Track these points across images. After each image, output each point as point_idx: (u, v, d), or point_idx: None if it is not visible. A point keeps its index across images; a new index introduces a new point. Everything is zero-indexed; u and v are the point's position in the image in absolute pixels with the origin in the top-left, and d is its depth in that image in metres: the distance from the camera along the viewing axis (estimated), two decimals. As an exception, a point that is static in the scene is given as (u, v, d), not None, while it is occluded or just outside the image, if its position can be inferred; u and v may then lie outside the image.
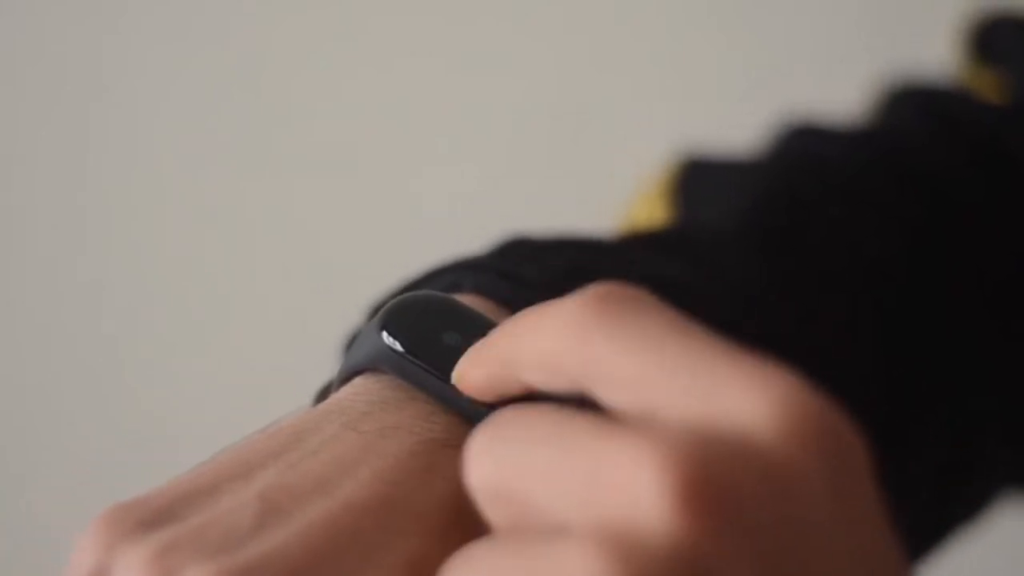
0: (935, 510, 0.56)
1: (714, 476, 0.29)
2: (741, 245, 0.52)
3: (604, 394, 0.32)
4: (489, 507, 0.32)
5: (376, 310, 0.43)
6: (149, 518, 0.35)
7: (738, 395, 0.31)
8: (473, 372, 0.37)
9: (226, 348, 1.20)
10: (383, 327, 0.40)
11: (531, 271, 0.42)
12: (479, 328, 0.40)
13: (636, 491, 0.29)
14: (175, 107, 1.18)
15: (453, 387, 0.38)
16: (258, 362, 1.20)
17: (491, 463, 0.32)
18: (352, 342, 0.43)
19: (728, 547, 0.29)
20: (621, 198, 0.77)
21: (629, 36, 1.16)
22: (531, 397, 0.36)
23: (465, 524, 0.36)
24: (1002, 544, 0.93)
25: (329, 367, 0.43)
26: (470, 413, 0.38)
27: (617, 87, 1.17)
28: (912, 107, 0.61)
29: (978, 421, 0.56)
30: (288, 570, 0.34)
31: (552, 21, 1.17)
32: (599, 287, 0.33)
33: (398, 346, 0.39)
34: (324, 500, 0.36)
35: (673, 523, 0.29)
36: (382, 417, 0.38)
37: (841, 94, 0.79)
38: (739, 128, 0.79)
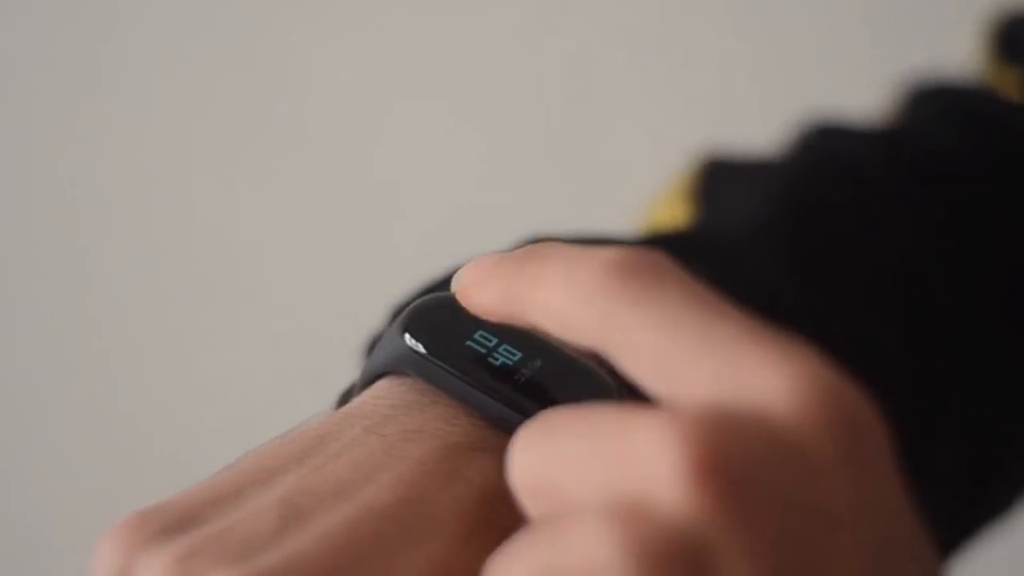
0: (955, 513, 0.56)
1: (730, 453, 0.29)
2: (766, 246, 0.52)
3: (623, 364, 0.32)
4: (528, 503, 0.32)
5: (397, 312, 0.43)
6: (171, 523, 0.35)
7: (757, 372, 0.30)
8: (480, 291, 0.36)
9: (234, 352, 1.20)
10: (405, 329, 0.39)
11: None
12: (501, 330, 0.40)
13: (652, 467, 0.29)
14: (180, 109, 1.18)
15: (476, 390, 0.38)
16: (264, 364, 1.20)
17: (526, 460, 0.32)
18: (373, 345, 0.43)
19: (740, 526, 0.29)
20: (635, 199, 0.77)
21: (646, 35, 1.16)
22: None
23: (488, 528, 0.36)
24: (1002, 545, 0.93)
25: (339, 370, 0.43)
26: (493, 415, 0.38)
27: (634, 87, 1.16)
28: (935, 106, 0.61)
29: (1000, 425, 0.56)
30: (310, 575, 0.34)
31: (566, 21, 1.16)
32: (624, 250, 0.33)
33: (421, 348, 0.39)
34: (346, 505, 0.35)
35: (686, 500, 0.29)
36: (404, 421, 0.38)
37: (863, 94, 0.79)
38: (759, 129, 0.79)
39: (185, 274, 1.19)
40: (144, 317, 1.19)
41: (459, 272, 0.38)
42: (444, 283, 0.44)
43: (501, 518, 0.36)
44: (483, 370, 0.39)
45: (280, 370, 1.19)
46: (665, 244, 0.49)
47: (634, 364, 0.32)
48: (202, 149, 1.18)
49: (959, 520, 0.56)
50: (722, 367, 0.31)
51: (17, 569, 1.21)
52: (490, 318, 0.37)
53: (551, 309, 0.34)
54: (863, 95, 0.78)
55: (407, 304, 0.43)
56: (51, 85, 1.16)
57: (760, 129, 0.79)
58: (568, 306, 0.33)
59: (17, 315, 1.19)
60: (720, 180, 0.59)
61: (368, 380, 0.40)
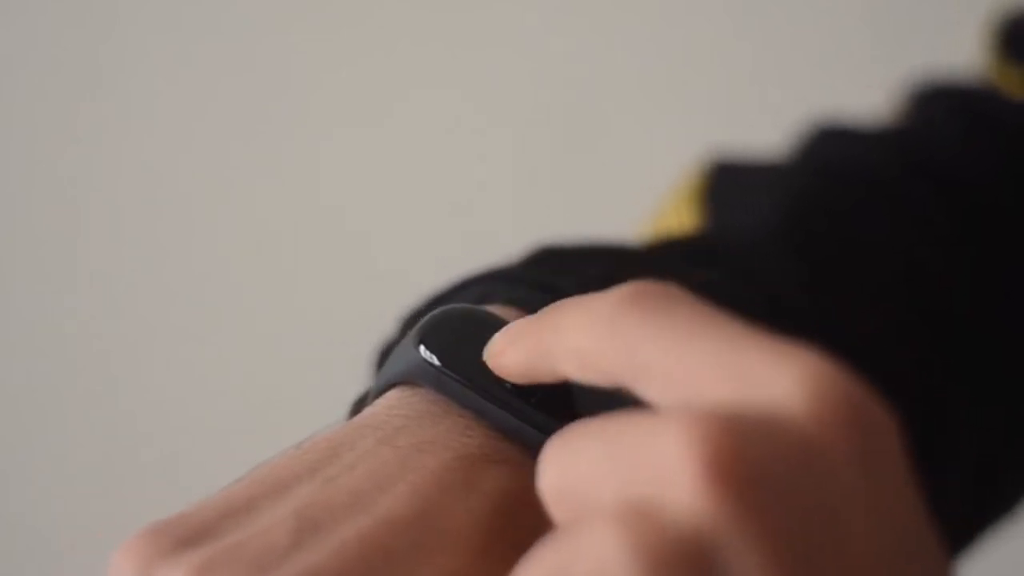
0: (960, 515, 0.56)
1: (741, 454, 0.29)
2: (776, 252, 0.52)
3: (642, 389, 0.32)
4: (554, 511, 0.32)
5: (408, 322, 0.43)
6: (186, 536, 0.35)
7: (769, 376, 0.31)
8: (508, 356, 0.37)
9: (232, 352, 1.20)
10: (420, 341, 0.39)
11: (565, 282, 0.42)
12: None
13: (664, 468, 0.29)
14: (180, 109, 1.17)
15: (490, 403, 0.38)
16: (263, 364, 1.20)
17: (551, 468, 0.32)
18: (385, 354, 0.43)
19: (750, 528, 0.29)
20: (637, 200, 0.77)
21: (648, 35, 1.16)
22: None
23: (503, 540, 0.36)
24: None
25: (336, 368, 0.43)
26: (508, 427, 0.38)
27: (635, 88, 1.16)
28: (940, 107, 0.61)
29: (1005, 427, 0.56)
30: None
31: (568, 22, 1.16)
32: (632, 285, 0.33)
33: (435, 360, 0.39)
34: (361, 517, 0.35)
35: (696, 501, 0.29)
36: (418, 432, 0.38)
37: (866, 93, 0.79)
38: (762, 129, 0.79)
39: (186, 275, 1.19)
40: (144, 317, 1.19)
41: (489, 342, 0.38)
42: (455, 293, 0.44)
43: (516, 530, 0.36)
44: (497, 382, 0.38)
45: (278, 369, 1.19)
46: (676, 250, 0.49)
47: (650, 385, 0.32)
48: (202, 149, 1.18)
49: (963, 522, 0.57)
50: (734, 373, 0.31)
51: (17, 569, 1.21)
52: (522, 379, 0.37)
53: (572, 352, 0.34)
54: (867, 95, 0.78)
55: (418, 314, 0.43)
56: (51, 85, 1.16)
57: (763, 129, 0.79)
58: (586, 344, 0.34)
59: (17, 315, 1.19)
60: (728, 184, 0.59)
61: (381, 390, 0.40)
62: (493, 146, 1.18)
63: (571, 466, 0.32)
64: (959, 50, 0.77)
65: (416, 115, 1.18)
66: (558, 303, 0.36)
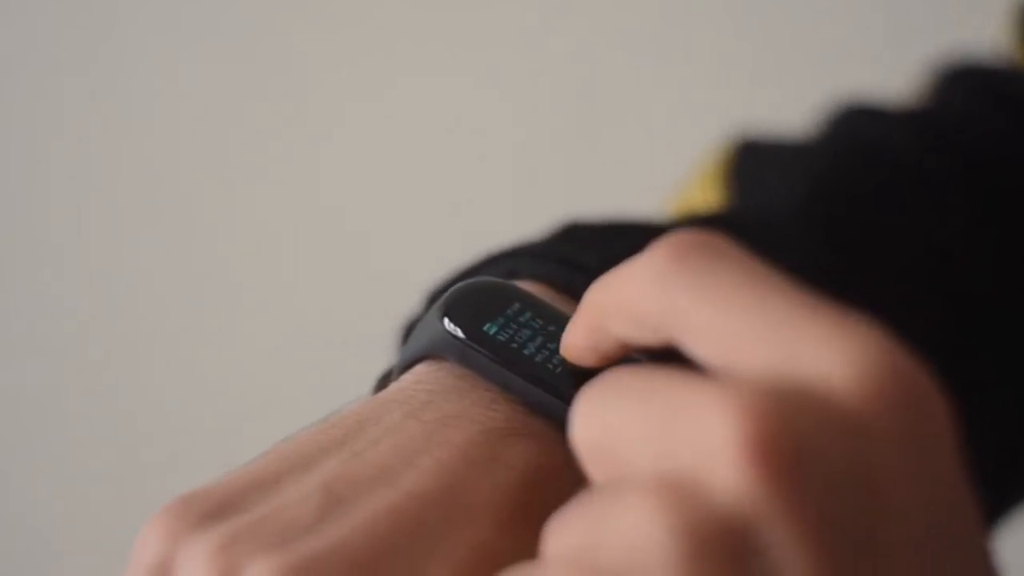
0: (983, 499, 0.55)
1: (786, 433, 0.28)
2: (800, 230, 0.52)
3: (688, 345, 0.31)
4: (590, 465, 0.31)
5: (434, 297, 0.43)
6: (213, 510, 0.35)
7: (818, 347, 0.29)
8: (574, 336, 0.36)
9: (234, 351, 1.20)
10: (444, 314, 0.39)
11: (590, 257, 0.42)
12: (539, 315, 0.39)
13: (707, 443, 0.29)
14: (180, 108, 1.17)
15: (515, 375, 0.38)
16: (265, 363, 1.19)
17: (587, 421, 0.31)
18: (410, 329, 0.43)
19: (792, 511, 0.28)
20: (648, 189, 0.77)
21: (651, 38, 1.16)
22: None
23: (529, 513, 0.36)
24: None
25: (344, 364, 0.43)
26: (533, 400, 0.38)
27: (638, 90, 1.16)
28: (963, 88, 0.61)
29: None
30: (351, 562, 0.34)
31: (575, 25, 1.16)
32: (680, 234, 0.32)
33: (460, 333, 0.39)
34: (387, 491, 0.35)
35: (738, 481, 0.28)
36: (444, 406, 0.38)
37: (887, 76, 0.79)
38: (791, 110, 0.79)
39: (186, 274, 1.19)
40: (144, 317, 1.19)
41: (562, 344, 0.37)
42: (480, 268, 0.44)
43: (542, 503, 0.36)
44: (522, 355, 0.38)
45: (278, 369, 1.19)
46: (701, 225, 0.49)
47: (697, 345, 0.31)
48: (202, 148, 1.17)
49: (984, 506, 0.56)
50: (782, 342, 0.30)
51: (17, 569, 1.20)
52: (592, 355, 0.36)
53: (624, 309, 0.33)
54: (888, 78, 0.78)
55: (443, 289, 0.43)
56: (51, 85, 1.16)
57: (780, 114, 0.79)
58: (636, 300, 0.33)
59: (17, 315, 1.19)
60: (752, 162, 0.59)
61: (406, 364, 0.40)
62: (493, 146, 1.18)
63: (606, 423, 0.31)
64: (982, 30, 0.77)
65: (416, 115, 1.17)
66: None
